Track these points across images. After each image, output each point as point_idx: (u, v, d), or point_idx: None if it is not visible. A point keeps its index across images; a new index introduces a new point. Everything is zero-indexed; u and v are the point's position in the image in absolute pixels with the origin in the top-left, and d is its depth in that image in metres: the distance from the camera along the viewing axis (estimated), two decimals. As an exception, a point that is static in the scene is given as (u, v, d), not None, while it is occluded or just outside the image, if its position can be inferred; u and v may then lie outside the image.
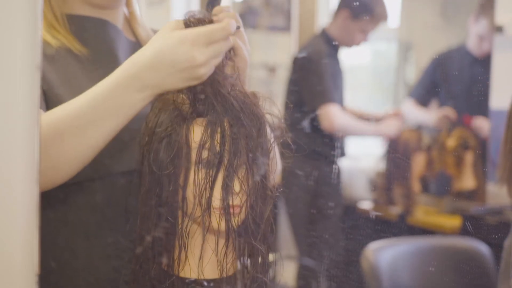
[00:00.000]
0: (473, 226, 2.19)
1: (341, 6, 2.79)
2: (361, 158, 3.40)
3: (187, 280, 0.96)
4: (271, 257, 1.00)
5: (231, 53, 0.98)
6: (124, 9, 1.16)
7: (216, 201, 0.91)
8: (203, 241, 0.94)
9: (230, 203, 0.91)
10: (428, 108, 3.04)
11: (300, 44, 3.64)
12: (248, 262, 0.97)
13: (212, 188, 0.91)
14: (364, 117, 2.83)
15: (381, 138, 2.87)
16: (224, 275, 0.95)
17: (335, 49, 2.80)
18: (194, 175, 0.91)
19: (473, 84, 2.79)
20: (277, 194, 0.99)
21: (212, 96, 0.92)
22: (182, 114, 0.92)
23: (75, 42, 1.07)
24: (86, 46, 1.08)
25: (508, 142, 1.35)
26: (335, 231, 2.65)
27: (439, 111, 2.91)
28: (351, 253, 2.06)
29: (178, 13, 3.75)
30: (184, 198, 0.93)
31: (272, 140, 0.98)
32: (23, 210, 0.63)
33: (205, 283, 0.96)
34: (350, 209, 2.97)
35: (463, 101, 2.88)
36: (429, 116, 2.97)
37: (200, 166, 0.91)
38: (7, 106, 0.61)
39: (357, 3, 2.78)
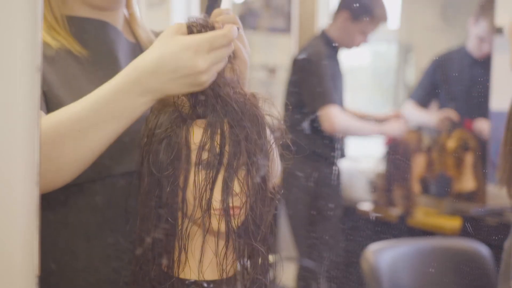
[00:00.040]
0: (473, 227, 2.19)
1: (340, 8, 2.79)
2: (361, 160, 3.40)
3: (187, 282, 0.96)
4: (271, 258, 1.00)
5: (231, 55, 0.98)
6: (124, 11, 1.16)
7: (216, 202, 0.91)
8: (203, 243, 0.94)
9: (230, 204, 0.91)
10: (428, 109, 3.04)
11: (300, 45, 3.64)
12: (248, 263, 0.97)
13: (212, 189, 0.91)
14: (364, 118, 2.83)
15: (382, 138, 2.87)
16: (224, 276, 0.95)
17: (334, 50, 2.80)
18: (194, 176, 0.92)
19: (473, 85, 2.79)
20: (279, 196, 0.99)
21: (212, 98, 0.92)
22: (182, 116, 0.92)
23: (75, 43, 1.07)
24: (86, 48, 1.08)
25: (508, 144, 1.35)
26: (335, 232, 2.65)
27: (441, 112, 2.91)
28: (351, 254, 2.06)
29: (178, 14, 3.75)
30: (184, 200, 0.93)
31: (272, 141, 0.98)
32: (23, 211, 0.63)
33: (205, 285, 0.96)
34: (350, 211, 2.97)
35: (463, 102, 2.88)
36: (430, 117, 2.97)
37: (200, 167, 0.91)
38: (7, 107, 0.61)
39: (357, 5, 2.78)
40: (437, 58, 3.06)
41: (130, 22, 1.17)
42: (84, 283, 1.05)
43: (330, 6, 3.70)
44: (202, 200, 0.91)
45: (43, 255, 0.67)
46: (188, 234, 0.94)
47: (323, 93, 2.64)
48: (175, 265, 0.95)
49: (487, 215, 2.26)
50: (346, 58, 3.07)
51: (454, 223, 2.56)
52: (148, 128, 0.95)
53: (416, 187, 2.86)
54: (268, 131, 0.97)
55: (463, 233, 2.29)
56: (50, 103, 0.99)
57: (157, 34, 1.20)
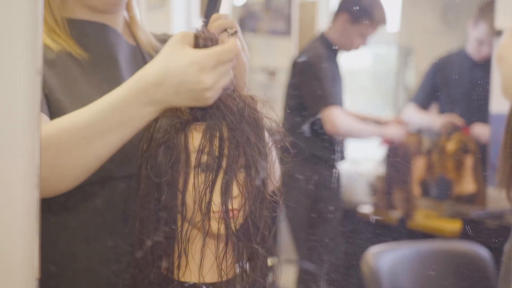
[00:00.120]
0: (473, 230, 2.19)
1: (340, 10, 2.79)
2: (361, 162, 3.40)
3: (186, 284, 0.96)
4: (270, 261, 1.00)
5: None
6: (124, 13, 1.16)
7: (215, 205, 0.91)
8: (203, 246, 0.94)
9: (230, 207, 0.91)
10: (429, 111, 3.04)
11: (301, 48, 3.64)
12: (247, 265, 0.97)
13: (211, 192, 0.91)
14: (365, 121, 2.83)
15: (383, 141, 2.87)
16: (224, 278, 0.95)
17: (334, 53, 2.80)
18: (194, 179, 0.92)
19: (473, 88, 2.79)
20: (279, 199, 0.99)
21: (211, 101, 0.92)
22: (181, 119, 0.93)
23: (75, 46, 1.07)
24: (86, 50, 1.08)
25: (508, 146, 1.35)
26: (335, 235, 2.64)
27: (444, 117, 2.91)
28: (351, 257, 2.06)
29: (178, 17, 3.75)
30: (183, 203, 0.93)
31: (270, 144, 0.98)
32: (23, 213, 0.63)
33: (205, 287, 0.96)
34: (350, 213, 2.96)
35: (463, 105, 2.88)
36: (432, 120, 2.97)
37: (199, 170, 0.92)
38: (8, 109, 0.61)
39: (357, 7, 2.79)
40: (437, 61, 3.06)
41: (130, 25, 1.17)
42: (84, 285, 1.05)
43: (330, 8, 3.71)
44: (201, 203, 0.91)
45: (43, 257, 0.67)
46: (188, 238, 0.94)
47: (324, 95, 2.64)
48: (175, 268, 0.95)
49: (487, 218, 2.26)
50: (346, 60, 3.07)
51: (454, 225, 2.56)
52: (147, 132, 0.95)
53: (416, 189, 2.85)
54: (267, 134, 0.97)
55: (463, 235, 2.29)
56: (51, 106, 0.99)
57: (157, 37, 1.21)
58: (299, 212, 2.67)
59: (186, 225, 0.94)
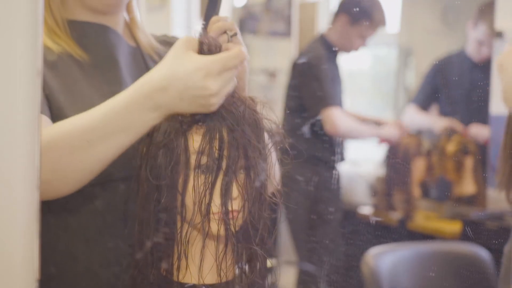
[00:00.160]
0: (473, 231, 2.19)
1: (340, 11, 2.80)
2: (361, 163, 3.40)
3: (186, 286, 0.96)
4: (270, 262, 1.00)
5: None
6: (124, 15, 1.16)
7: (215, 206, 0.92)
8: (203, 247, 0.94)
9: (230, 208, 0.91)
10: (429, 113, 3.04)
11: (300, 49, 3.64)
12: (247, 267, 0.97)
13: (211, 193, 0.91)
14: (365, 121, 2.83)
15: (380, 140, 2.87)
16: (223, 280, 0.95)
17: (334, 54, 2.81)
18: (194, 181, 0.92)
19: (473, 89, 2.79)
20: (279, 200, 0.99)
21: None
22: (181, 121, 0.93)
23: (76, 47, 1.07)
24: (86, 52, 1.08)
25: (507, 147, 1.35)
26: (335, 236, 2.65)
27: (445, 120, 2.91)
28: (351, 258, 2.06)
29: (178, 18, 3.75)
30: (183, 204, 0.93)
31: (270, 145, 0.98)
32: (23, 215, 0.63)
33: (205, 288, 0.96)
34: (350, 215, 2.96)
35: (463, 106, 2.89)
36: (432, 121, 2.97)
37: (199, 172, 0.92)
38: (8, 110, 0.61)
39: (356, 9, 2.79)
40: (437, 62, 3.06)
41: (130, 26, 1.17)
42: (84, 286, 1.05)
43: (330, 10, 3.71)
44: (201, 204, 0.91)
45: (43, 259, 0.67)
46: (188, 239, 0.94)
47: (324, 96, 2.64)
48: (174, 269, 0.95)
49: (487, 219, 2.26)
50: (346, 62, 3.08)
51: (454, 227, 2.56)
52: (147, 133, 0.95)
53: (416, 191, 2.85)
54: (266, 136, 0.97)
55: (463, 237, 2.29)
56: (51, 107, 0.99)
57: (157, 38, 1.21)
58: (299, 214, 2.67)
59: (185, 226, 0.94)
